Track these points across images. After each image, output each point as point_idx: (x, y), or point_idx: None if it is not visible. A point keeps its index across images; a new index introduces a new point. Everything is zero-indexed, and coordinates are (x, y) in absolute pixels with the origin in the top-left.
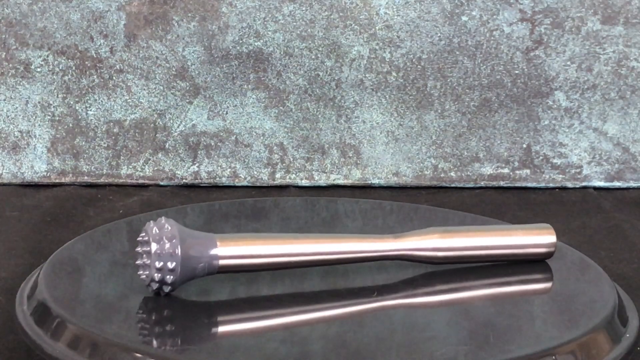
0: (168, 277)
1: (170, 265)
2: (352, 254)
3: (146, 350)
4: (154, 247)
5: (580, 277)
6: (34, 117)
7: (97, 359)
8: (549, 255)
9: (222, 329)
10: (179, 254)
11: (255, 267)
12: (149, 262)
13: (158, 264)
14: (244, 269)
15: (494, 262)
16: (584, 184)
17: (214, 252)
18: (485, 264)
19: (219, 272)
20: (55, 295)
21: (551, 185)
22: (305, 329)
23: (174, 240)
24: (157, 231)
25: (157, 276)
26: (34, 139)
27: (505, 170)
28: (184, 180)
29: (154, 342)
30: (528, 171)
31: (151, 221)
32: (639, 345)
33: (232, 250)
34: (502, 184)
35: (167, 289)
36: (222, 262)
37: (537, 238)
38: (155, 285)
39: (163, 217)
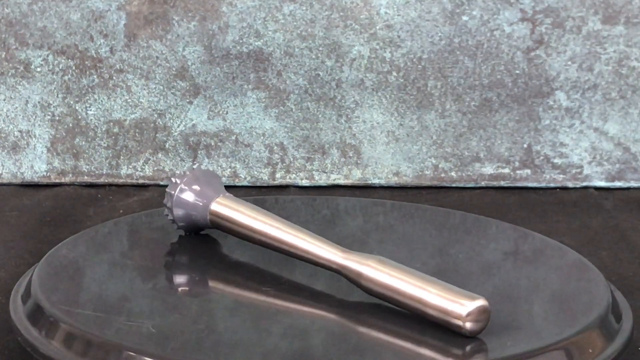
0: (168, 214)
1: (168, 204)
2: (303, 252)
3: (141, 349)
4: (168, 186)
5: (575, 276)
6: (34, 117)
7: (91, 358)
8: (460, 328)
9: (221, 325)
10: (175, 194)
11: (235, 234)
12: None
13: (165, 201)
14: (227, 231)
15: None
16: (584, 184)
17: (210, 206)
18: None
19: (212, 227)
20: (49, 294)
21: (552, 185)
22: (305, 323)
23: (178, 184)
24: (183, 175)
25: (165, 210)
26: (33, 139)
27: (506, 170)
28: None
29: (149, 341)
30: (529, 171)
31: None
32: (632, 344)
33: (221, 210)
34: (502, 183)
35: (175, 226)
36: (210, 217)
37: (451, 306)
38: (170, 220)
39: (199, 167)
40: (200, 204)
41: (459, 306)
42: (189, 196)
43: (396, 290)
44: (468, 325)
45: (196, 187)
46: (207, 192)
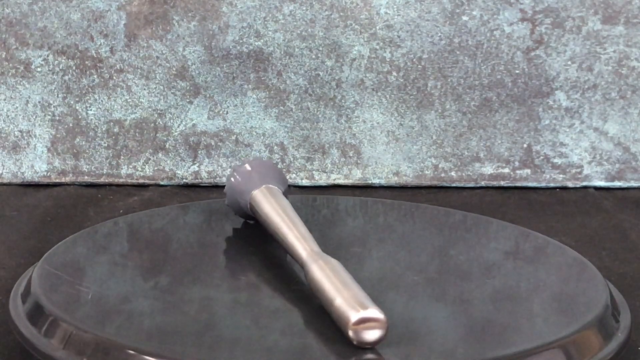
0: (225, 199)
1: (225, 189)
2: (287, 246)
3: (141, 347)
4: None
5: (574, 275)
6: (34, 117)
7: (91, 357)
8: (348, 336)
9: (221, 323)
10: (228, 179)
11: (262, 225)
12: None
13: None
14: (259, 221)
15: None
16: (584, 183)
17: (251, 194)
18: None
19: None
20: (49, 293)
21: (552, 185)
22: (305, 320)
23: (234, 173)
24: (242, 163)
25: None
26: (34, 139)
27: (506, 170)
28: (184, 180)
29: (149, 339)
30: (529, 171)
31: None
32: (630, 343)
33: (256, 203)
34: (502, 183)
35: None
36: (250, 205)
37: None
38: (226, 205)
39: (263, 159)
40: (244, 191)
41: (347, 314)
42: (237, 182)
43: (319, 294)
44: (352, 334)
45: (247, 174)
46: (254, 181)
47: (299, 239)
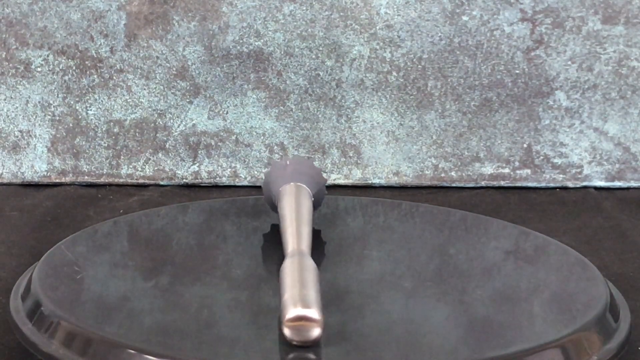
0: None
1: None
2: (283, 240)
3: (141, 347)
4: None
5: (574, 275)
6: (34, 117)
7: (92, 356)
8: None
9: (221, 322)
10: (264, 177)
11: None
12: None
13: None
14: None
15: None
16: (584, 183)
17: (278, 191)
18: None
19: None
20: (49, 292)
21: (552, 185)
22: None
23: (271, 166)
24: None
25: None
26: (34, 139)
27: (506, 170)
28: (184, 180)
29: (149, 339)
30: (529, 171)
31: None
32: (630, 343)
33: (280, 198)
34: (502, 183)
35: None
36: (276, 201)
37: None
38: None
39: (305, 158)
40: (275, 184)
41: (286, 310)
42: (270, 175)
43: (280, 288)
44: (286, 331)
45: (282, 169)
46: (286, 177)
47: (293, 236)
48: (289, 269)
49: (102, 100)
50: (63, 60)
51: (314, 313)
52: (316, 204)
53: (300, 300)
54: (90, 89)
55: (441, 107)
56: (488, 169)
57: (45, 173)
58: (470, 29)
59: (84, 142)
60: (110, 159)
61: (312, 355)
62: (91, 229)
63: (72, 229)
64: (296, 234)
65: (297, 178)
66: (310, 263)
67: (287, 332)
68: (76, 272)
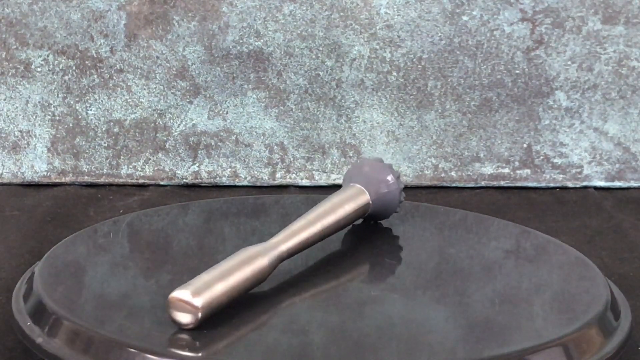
0: None
1: None
2: None
3: (142, 346)
4: None
5: (574, 274)
6: (34, 117)
7: (94, 355)
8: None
9: (221, 321)
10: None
11: None
12: None
13: None
14: None
15: None
16: (584, 183)
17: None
18: None
19: None
20: (51, 292)
21: (552, 185)
22: (305, 319)
23: (351, 165)
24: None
25: None
26: (34, 139)
27: (506, 170)
28: (184, 180)
29: (151, 338)
30: (529, 171)
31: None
32: (631, 342)
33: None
34: (502, 183)
35: None
36: None
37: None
38: None
39: (380, 161)
40: (345, 180)
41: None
42: (346, 173)
43: None
44: (171, 312)
45: (357, 169)
46: (353, 176)
47: (287, 231)
48: (230, 257)
49: (102, 100)
50: (63, 60)
51: (189, 297)
52: (377, 214)
53: (192, 284)
54: (90, 89)
55: (441, 107)
56: (488, 169)
57: (45, 173)
58: (470, 29)
59: (84, 142)
60: (110, 159)
61: (312, 354)
62: (91, 229)
63: (72, 229)
64: (292, 232)
65: (359, 180)
66: (262, 262)
67: (172, 314)
68: (78, 272)
